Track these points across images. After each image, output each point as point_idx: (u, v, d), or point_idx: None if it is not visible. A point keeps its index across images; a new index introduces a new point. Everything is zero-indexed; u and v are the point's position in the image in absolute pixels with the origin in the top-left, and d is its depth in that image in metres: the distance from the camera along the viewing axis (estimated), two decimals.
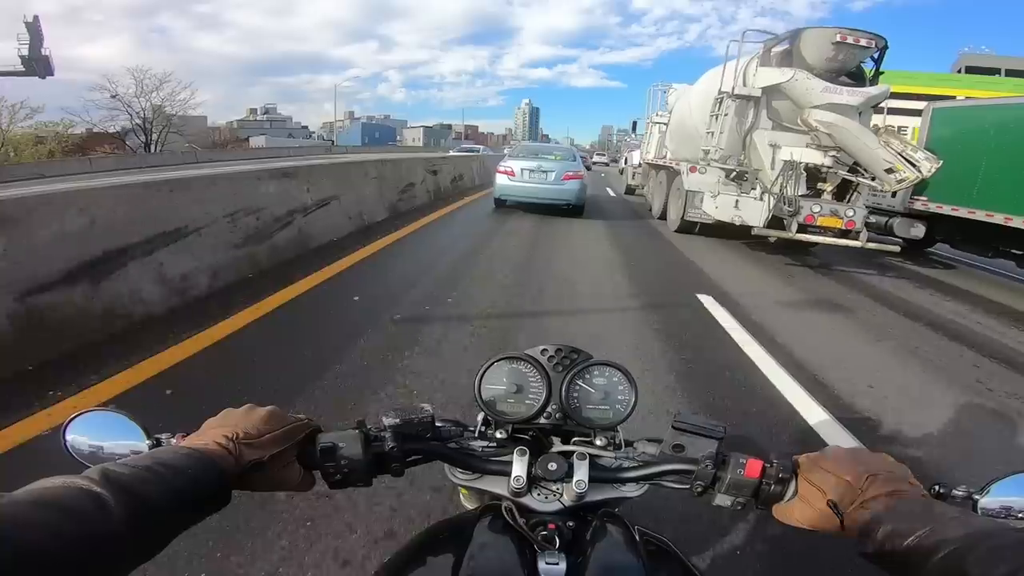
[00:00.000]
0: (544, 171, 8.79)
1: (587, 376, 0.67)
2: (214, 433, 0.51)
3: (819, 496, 0.50)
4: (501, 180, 8.95)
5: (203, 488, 0.45)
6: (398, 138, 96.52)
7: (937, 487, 0.51)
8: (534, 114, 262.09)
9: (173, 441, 0.53)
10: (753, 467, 0.54)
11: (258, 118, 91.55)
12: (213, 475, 0.46)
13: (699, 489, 0.56)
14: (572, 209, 9.06)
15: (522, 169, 8.80)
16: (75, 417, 0.55)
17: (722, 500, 0.56)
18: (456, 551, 0.54)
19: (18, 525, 0.32)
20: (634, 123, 15.77)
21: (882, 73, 6.17)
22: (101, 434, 0.55)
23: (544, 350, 0.69)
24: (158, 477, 0.42)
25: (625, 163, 21.24)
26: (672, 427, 0.60)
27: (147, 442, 0.54)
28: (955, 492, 0.51)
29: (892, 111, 7.21)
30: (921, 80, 9.77)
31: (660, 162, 9.98)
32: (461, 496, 0.82)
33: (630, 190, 14.66)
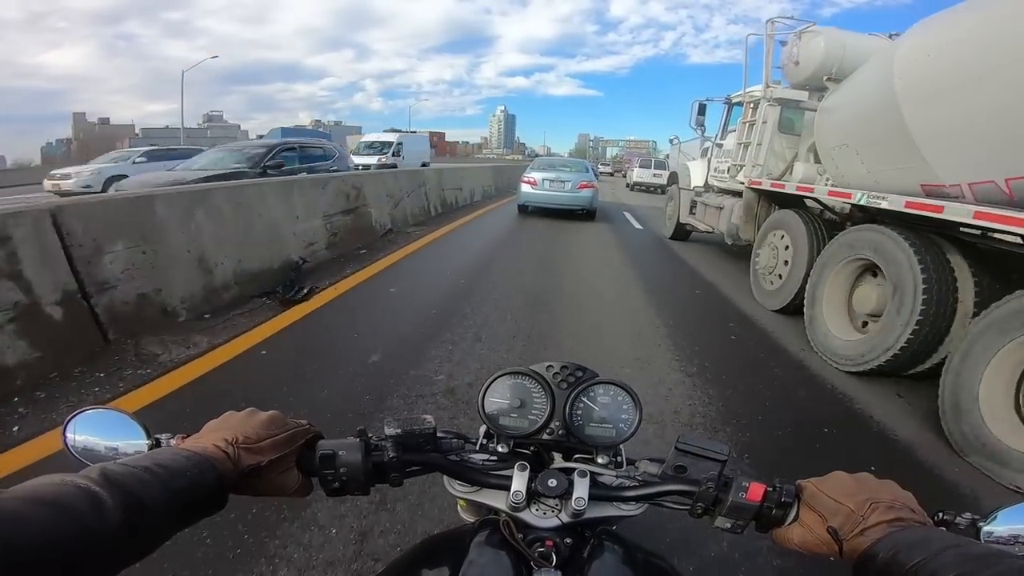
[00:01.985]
0: (562, 181, 10.53)
1: (591, 394, 0.68)
2: (214, 436, 0.52)
3: (819, 522, 0.51)
4: (525, 189, 10.66)
5: (200, 491, 0.46)
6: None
7: (941, 514, 0.52)
8: (510, 121, 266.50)
9: (173, 442, 0.55)
10: (755, 491, 0.54)
11: (201, 125, 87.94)
12: (210, 478, 0.48)
13: (699, 511, 0.57)
14: (586, 213, 10.89)
15: (543, 179, 10.59)
16: (76, 415, 0.56)
17: (722, 522, 0.56)
18: (452, 564, 0.55)
19: (13, 520, 0.33)
20: (700, 107, 7.25)
21: None
22: (102, 432, 0.56)
23: (550, 366, 0.70)
24: (156, 478, 0.43)
25: (626, 176, 24.39)
26: (675, 448, 0.60)
27: (147, 442, 0.56)
28: (959, 519, 0.52)
29: None
30: None
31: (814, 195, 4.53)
32: (459, 508, 0.80)
33: (681, 233, 8.43)
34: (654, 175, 23.41)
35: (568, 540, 0.58)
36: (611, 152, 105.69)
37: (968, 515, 0.52)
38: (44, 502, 0.35)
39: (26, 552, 0.32)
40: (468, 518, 0.77)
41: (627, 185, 26.71)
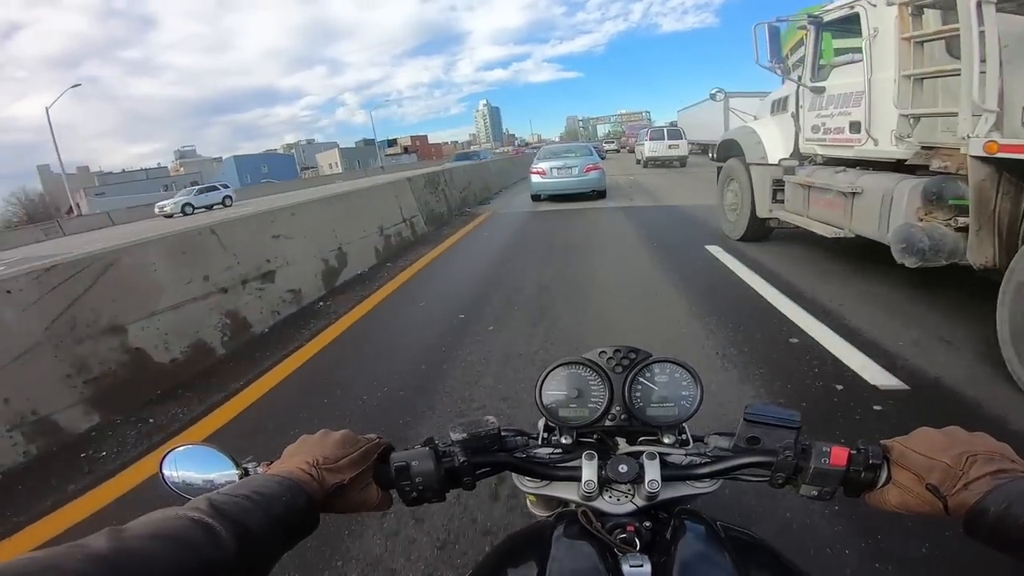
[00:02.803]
0: (569, 167, 11.04)
1: (648, 374, 0.68)
2: (296, 460, 0.54)
3: (916, 481, 0.50)
4: (535, 179, 11.25)
5: (295, 514, 0.48)
6: (304, 170, 75.41)
7: None
8: (494, 114, 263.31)
9: (259, 469, 0.57)
10: (839, 455, 0.53)
11: (174, 163, 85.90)
12: (302, 501, 0.49)
13: (780, 480, 0.56)
14: (596, 194, 11.38)
15: (551, 168, 11.11)
16: (169, 452, 0.61)
17: (807, 490, 0.55)
18: (537, 560, 0.55)
19: (143, 559, 0.34)
20: (773, 31, 4.63)
21: None
22: (195, 466, 0.60)
23: (602, 352, 0.70)
24: (257, 506, 0.44)
25: (636, 152, 21.64)
26: (744, 419, 0.60)
27: (237, 472, 0.59)
28: None
29: None
30: None
31: None
32: (529, 504, 0.83)
33: (759, 231, 5.61)
34: (670, 147, 20.92)
35: (648, 524, 0.58)
36: (602, 129, 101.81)
37: None
38: (165, 537, 0.36)
39: None
40: (539, 513, 0.80)
41: (638, 161, 24.38)
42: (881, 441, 0.55)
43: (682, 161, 21.33)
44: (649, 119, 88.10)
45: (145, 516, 0.39)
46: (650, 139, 21.48)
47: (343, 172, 58.29)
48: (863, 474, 0.53)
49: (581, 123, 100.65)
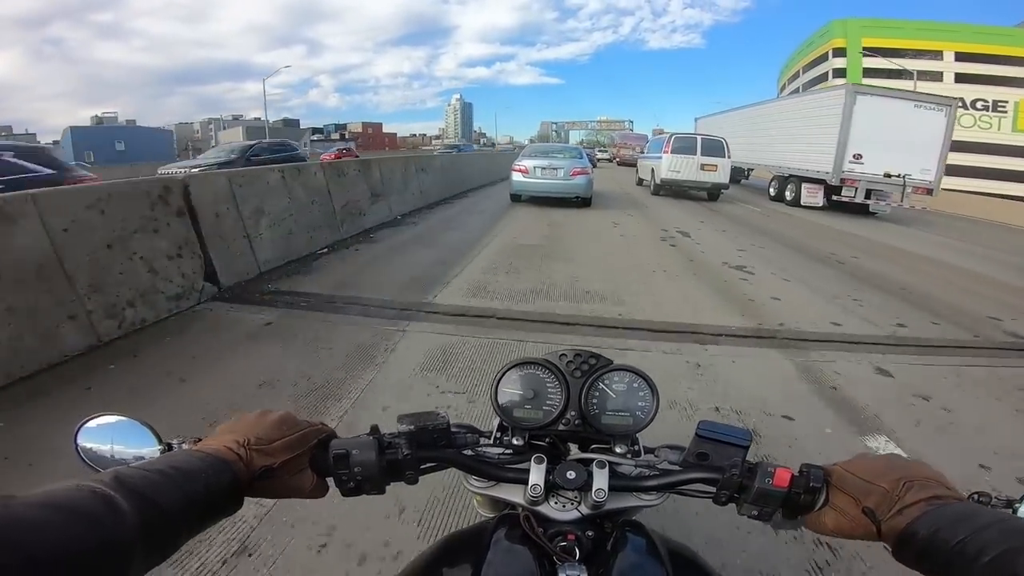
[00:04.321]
0: (555, 168, 10.37)
1: (607, 381, 0.68)
2: (226, 439, 0.53)
3: (853, 504, 0.51)
4: (516, 177, 10.55)
5: (215, 493, 0.46)
6: (180, 151, 57.91)
7: (976, 495, 0.50)
8: (466, 110, 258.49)
9: (185, 446, 0.55)
10: (782, 477, 0.54)
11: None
12: (226, 480, 0.48)
13: (724, 498, 0.57)
14: (581, 201, 10.76)
15: (535, 167, 10.39)
16: (86, 421, 0.58)
17: (748, 510, 0.56)
18: (473, 562, 0.55)
19: (29, 528, 0.33)
20: None
21: None
22: (113, 439, 0.58)
23: (563, 355, 0.70)
24: (171, 481, 0.43)
25: (637, 168, 16.15)
26: (696, 435, 0.60)
27: (159, 447, 0.57)
28: (995, 500, 0.50)
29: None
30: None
31: None
32: (476, 503, 0.82)
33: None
34: (704, 167, 13.09)
35: (590, 533, 0.59)
36: (576, 136, 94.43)
37: (1004, 495, 0.51)
38: (60, 508, 0.35)
39: (45, 561, 0.32)
40: (486, 513, 0.79)
41: (641, 182, 17.10)
42: (823, 465, 0.55)
43: (716, 191, 13.65)
44: (631, 128, 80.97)
45: (48, 486, 0.37)
46: (671, 151, 13.46)
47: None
48: (803, 496, 0.54)
49: (555, 127, 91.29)
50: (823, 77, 39.88)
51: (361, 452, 0.56)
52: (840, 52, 38.78)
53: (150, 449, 0.57)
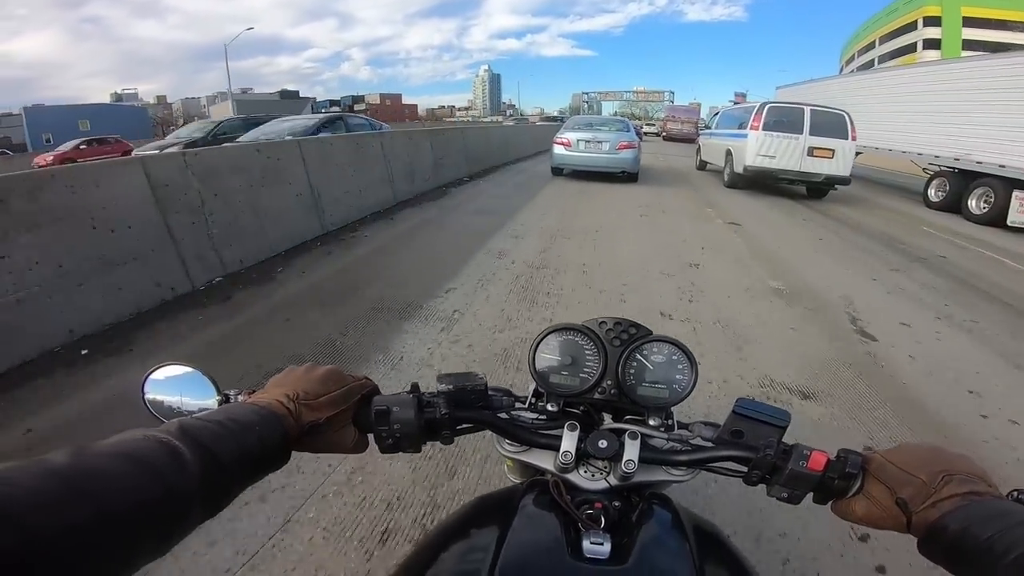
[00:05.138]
0: (599, 141, 9.84)
1: (645, 352, 0.67)
2: (277, 392, 0.54)
3: (887, 493, 0.50)
4: (558, 150, 10.13)
5: (267, 447, 0.47)
6: (161, 128, 48.78)
7: (1016, 492, 0.48)
8: (494, 82, 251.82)
9: (240, 398, 0.58)
10: (818, 460, 0.53)
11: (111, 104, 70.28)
12: (277, 434, 0.49)
13: (755, 478, 0.56)
14: (627, 176, 10.15)
15: (578, 140, 9.94)
16: (154, 370, 0.62)
17: (777, 492, 0.55)
18: (500, 523, 0.56)
19: (102, 478, 0.34)
20: None
21: None
22: (175, 388, 0.62)
23: (603, 323, 0.69)
24: (229, 433, 0.44)
25: (698, 148, 13.10)
26: (733, 412, 0.59)
27: (217, 398, 0.60)
28: None
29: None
30: None
31: None
32: (506, 468, 0.83)
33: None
34: (815, 151, 8.82)
35: (616, 503, 0.59)
36: (609, 107, 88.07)
37: None
38: (128, 458, 0.36)
39: (114, 513, 0.33)
40: (515, 478, 0.80)
41: (704, 165, 13.29)
42: (862, 452, 0.54)
43: (827, 187, 9.56)
44: (672, 99, 74.24)
45: (117, 436, 0.38)
46: (763, 128, 9.20)
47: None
48: (836, 481, 0.53)
49: (586, 98, 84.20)
50: (908, 48, 34.45)
51: (401, 409, 0.58)
52: (933, 21, 33.10)
53: (209, 400, 0.60)
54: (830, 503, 0.54)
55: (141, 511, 0.35)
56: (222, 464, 0.42)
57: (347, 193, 6.10)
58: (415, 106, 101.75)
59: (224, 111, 55.29)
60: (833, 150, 9.06)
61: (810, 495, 0.55)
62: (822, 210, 8.59)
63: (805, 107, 9.20)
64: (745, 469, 0.57)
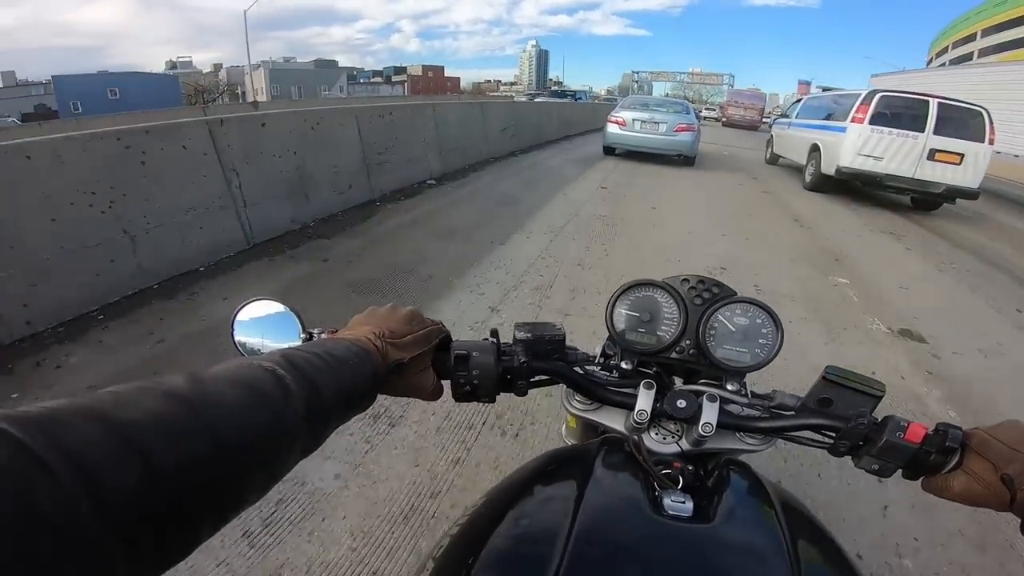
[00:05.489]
0: (656, 122, 9.36)
1: (728, 313, 0.64)
2: (364, 330, 0.52)
3: (991, 470, 0.48)
4: (612, 129, 9.67)
5: (360, 383, 0.46)
6: (202, 97, 46.52)
7: None
8: (542, 57, 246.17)
9: (324, 336, 0.57)
10: (916, 432, 0.51)
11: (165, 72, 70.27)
12: (368, 371, 0.48)
13: (843, 448, 0.55)
14: (684, 159, 9.68)
15: (633, 119, 9.46)
16: (242, 307, 0.61)
17: (867, 463, 0.53)
18: (578, 478, 0.54)
19: (219, 406, 0.33)
20: None
21: None
22: (263, 323, 0.61)
23: (685, 280, 0.66)
24: (328, 367, 0.43)
25: (771, 138, 11.33)
26: (823, 378, 0.57)
27: (302, 336, 0.59)
28: None
29: None
30: None
31: None
32: (564, 428, 0.82)
33: None
34: (936, 155, 6.73)
35: (690, 467, 0.57)
36: (659, 88, 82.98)
37: None
38: (241, 384, 0.35)
39: (231, 442, 0.32)
40: (572, 440, 0.80)
41: (775, 158, 11.38)
42: (964, 428, 0.52)
43: (945, 200, 7.53)
44: (731, 83, 68.86)
45: (225, 363, 0.38)
46: (867, 120, 7.06)
47: (269, 101, 38.47)
48: (933, 456, 0.51)
49: (636, 78, 79.11)
50: (1017, 43, 30.23)
51: (481, 355, 0.57)
52: None
53: (293, 340, 0.58)
54: (921, 479, 0.53)
55: (256, 443, 0.34)
56: (323, 397, 0.40)
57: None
58: (457, 79, 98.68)
59: (258, 80, 53.89)
60: (962, 154, 6.95)
61: (900, 470, 0.53)
62: (943, 231, 6.54)
63: (932, 99, 7.00)
64: (829, 440, 0.55)
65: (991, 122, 6.97)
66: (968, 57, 36.44)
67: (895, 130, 7.02)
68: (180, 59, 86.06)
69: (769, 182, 9.21)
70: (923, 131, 6.93)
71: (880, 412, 0.57)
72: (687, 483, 0.54)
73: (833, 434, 0.55)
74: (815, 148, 8.36)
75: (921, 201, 7.69)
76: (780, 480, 1.60)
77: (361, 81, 65.22)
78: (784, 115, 11.41)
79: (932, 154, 6.97)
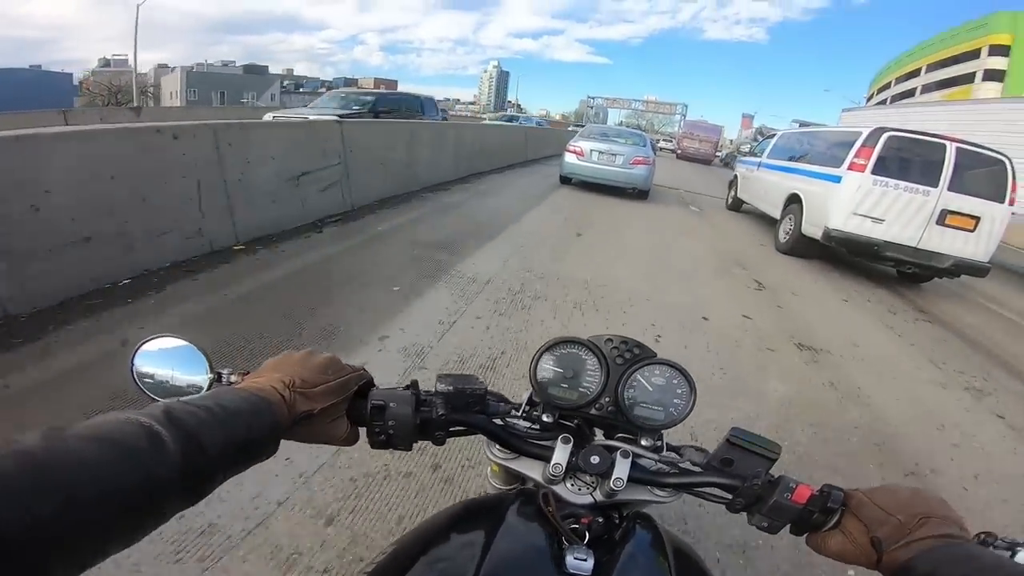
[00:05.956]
0: (613, 154, 9.34)
1: (646, 373, 0.68)
2: (272, 377, 0.52)
3: (863, 531, 0.51)
4: (569, 159, 9.58)
5: (256, 436, 0.46)
6: (115, 97, 39.95)
7: (982, 535, 0.51)
8: (502, 79, 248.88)
9: (233, 378, 0.57)
10: (802, 493, 0.54)
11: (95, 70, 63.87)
12: (267, 423, 0.47)
13: (739, 506, 0.58)
14: (638, 192, 9.60)
15: (591, 150, 9.41)
16: (144, 343, 0.58)
17: (759, 520, 0.57)
18: (487, 529, 0.56)
19: (76, 464, 0.32)
20: None
21: None
22: (168, 362, 0.58)
23: (608, 339, 0.69)
24: (217, 421, 0.42)
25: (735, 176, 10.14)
26: (727, 440, 0.60)
27: (208, 376, 0.57)
28: (999, 541, 0.50)
29: None
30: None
31: None
32: (489, 473, 0.83)
33: None
34: (947, 218, 5.21)
35: (600, 519, 0.60)
36: (615, 115, 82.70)
37: (1008, 538, 0.51)
38: (106, 441, 0.35)
39: (85, 499, 0.32)
40: (498, 485, 0.80)
41: (736, 205, 10.06)
42: (845, 488, 0.55)
43: (950, 274, 5.90)
44: (684, 113, 68.90)
45: (99, 417, 0.37)
46: (869, 169, 5.39)
47: (183, 107, 35.90)
48: (815, 515, 0.54)
49: (591, 104, 78.25)
50: (962, 79, 30.97)
51: (398, 405, 0.57)
52: (1000, 50, 29.48)
53: (200, 377, 0.57)
54: (806, 535, 0.56)
55: (115, 498, 0.33)
56: (206, 452, 0.40)
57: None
58: (452, 101, 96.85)
59: (172, 82, 48.56)
60: (977, 218, 5.42)
61: (788, 526, 0.56)
62: (952, 321, 4.90)
63: (949, 142, 5.44)
64: (730, 496, 0.58)
65: (1014, 175, 5.47)
66: (911, 93, 37.41)
67: (902, 183, 5.42)
68: (115, 56, 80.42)
69: (732, 237, 7.54)
70: (936, 185, 5.36)
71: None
72: (594, 536, 0.56)
73: (731, 493, 0.58)
74: (793, 199, 6.73)
75: (913, 273, 6.10)
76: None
77: (301, 91, 61.78)
78: (751, 152, 9.91)
79: (943, 216, 5.42)
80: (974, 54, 31.33)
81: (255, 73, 59.73)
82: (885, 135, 5.46)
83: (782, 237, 6.86)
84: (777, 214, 7.22)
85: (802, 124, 10.38)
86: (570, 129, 21.59)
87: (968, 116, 10.08)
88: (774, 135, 9.00)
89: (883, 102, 38.14)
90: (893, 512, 0.50)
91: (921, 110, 11.04)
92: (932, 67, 35.41)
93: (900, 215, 5.49)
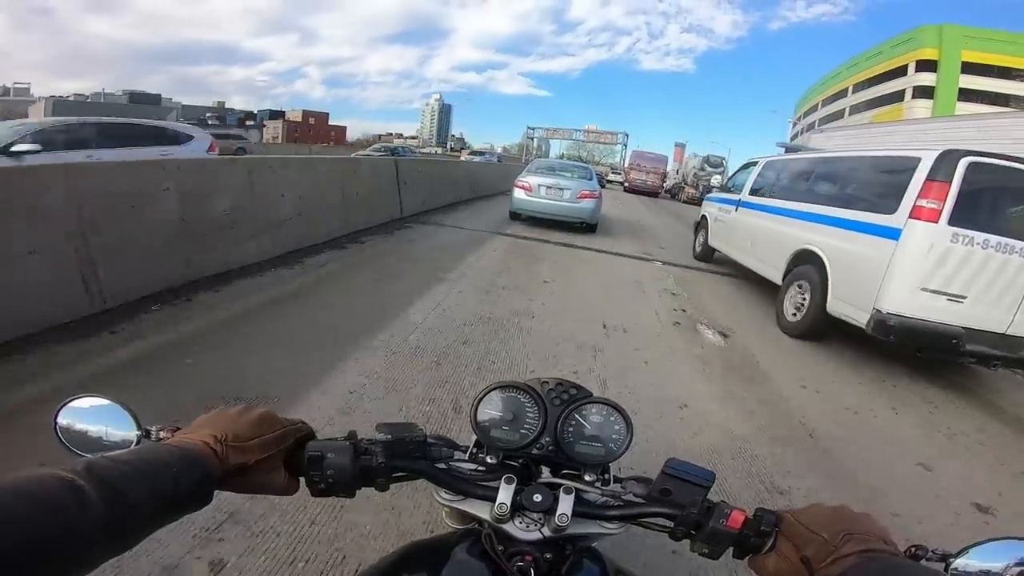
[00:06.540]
0: (560, 188, 9.44)
1: (584, 412, 0.70)
2: (203, 432, 0.53)
3: (794, 551, 0.53)
4: (518, 194, 9.69)
5: (184, 488, 0.47)
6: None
7: (913, 548, 0.53)
8: (444, 112, 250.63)
9: (162, 434, 0.57)
10: (736, 518, 0.56)
11: None
12: (196, 475, 0.49)
13: (680, 534, 0.60)
14: (585, 226, 9.72)
15: (539, 185, 9.49)
16: (68, 402, 0.58)
17: (699, 547, 0.59)
18: (431, 572, 0.59)
19: None
20: None
21: None
22: (93, 421, 0.58)
23: (544, 382, 0.73)
24: (141, 474, 0.44)
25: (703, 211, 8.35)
26: (663, 472, 0.62)
27: (136, 432, 0.58)
28: (930, 553, 0.53)
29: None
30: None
31: None
32: (444, 515, 0.84)
33: None
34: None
35: (548, 555, 0.62)
36: (557, 146, 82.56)
37: (940, 550, 0.54)
38: (25, 495, 0.36)
39: (7, 551, 0.33)
40: (454, 524, 0.81)
41: (705, 255, 8.09)
42: (777, 511, 0.57)
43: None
44: (625, 143, 69.34)
45: (19, 472, 0.38)
46: (944, 217, 3.43)
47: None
48: (752, 539, 0.56)
49: (534, 136, 77.59)
50: (892, 97, 31.63)
51: (336, 456, 0.59)
52: (928, 66, 30.22)
53: (128, 434, 0.57)
54: (747, 558, 0.57)
55: (38, 548, 0.34)
56: (131, 505, 0.41)
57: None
58: (343, 128, 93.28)
59: (36, 114, 43.79)
60: None
61: (731, 550, 0.58)
62: None
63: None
64: (671, 526, 0.60)
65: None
66: (839, 115, 38.18)
67: (991, 238, 3.46)
68: (16, 84, 74.17)
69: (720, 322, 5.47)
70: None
71: None
72: (541, 573, 0.59)
73: (671, 521, 0.60)
74: (805, 258, 4.71)
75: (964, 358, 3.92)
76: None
77: (210, 123, 57.81)
78: (724, 187, 7.88)
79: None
80: (902, 71, 32.18)
81: (144, 103, 55.11)
82: (964, 161, 3.49)
83: (789, 313, 4.81)
84: (776, 278, 5.21)
85: (788, 149, 8.41)
86: (473, 160, 22.53)
87: (969, 132, 8.65)
88: (755, 163, 6.94)
89: (811, 125, 38.55)
90: (817, 531, 0.52)
91: (871, 132, 9.59)
92: (859, 87, 36.40)
93: (988, 288, 3.52)
